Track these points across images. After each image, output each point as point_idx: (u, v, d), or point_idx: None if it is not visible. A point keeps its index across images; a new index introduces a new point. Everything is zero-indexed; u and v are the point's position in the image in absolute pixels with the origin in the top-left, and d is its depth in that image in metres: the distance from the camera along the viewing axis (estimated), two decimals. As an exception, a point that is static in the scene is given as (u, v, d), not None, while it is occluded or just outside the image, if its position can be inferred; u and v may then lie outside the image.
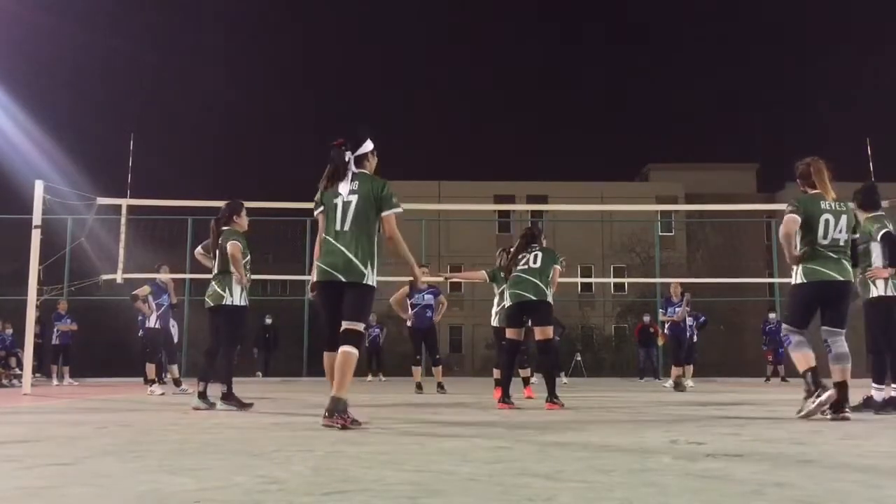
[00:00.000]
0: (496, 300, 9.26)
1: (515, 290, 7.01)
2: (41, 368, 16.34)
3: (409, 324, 11.10)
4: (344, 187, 4.80)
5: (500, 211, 34.60)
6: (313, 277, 4.88)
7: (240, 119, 73.51)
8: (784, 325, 5.73)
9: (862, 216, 6.23)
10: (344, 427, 4.38)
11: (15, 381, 14.52)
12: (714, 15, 76.77)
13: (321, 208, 4.88)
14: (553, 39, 79.66)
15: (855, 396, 6.42)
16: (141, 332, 12.45)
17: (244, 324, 6.96)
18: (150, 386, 10.54)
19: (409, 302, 10.98)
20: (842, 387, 5.35)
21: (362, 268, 4.67)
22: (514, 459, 3.08)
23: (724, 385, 15.10)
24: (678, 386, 12.13)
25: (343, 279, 4.65)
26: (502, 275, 9.13)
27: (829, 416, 5.28)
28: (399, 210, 4.85)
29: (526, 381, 9.21)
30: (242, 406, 6.62)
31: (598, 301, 35.48)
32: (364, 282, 4.67)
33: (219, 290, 6.70)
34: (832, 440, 3.93)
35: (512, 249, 9.40)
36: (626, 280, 33.36)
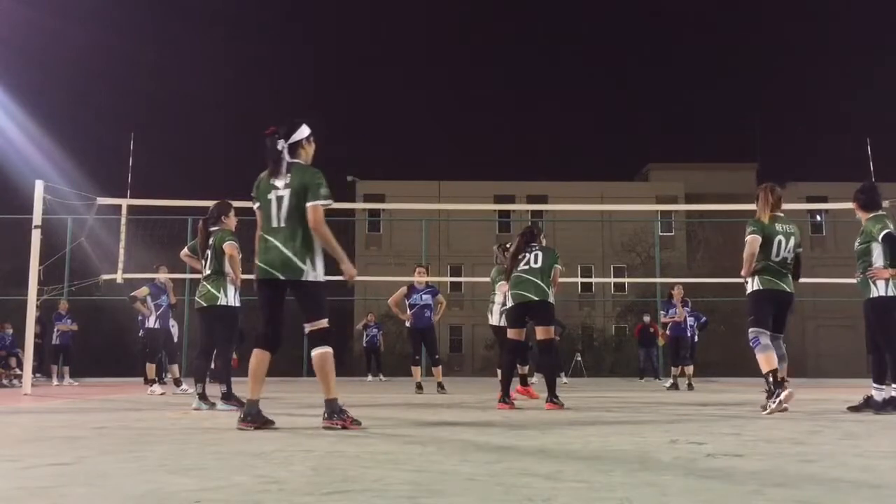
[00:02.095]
0: (497, 299, 9.26)
1: (517, 291, 6.98)
2: (41, 368, 16.33)
3: (407, 324, 11.10)
4: (279, 181, 4.53)
5: (500, 211, 34.61)
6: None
7: (240, 119, 73.51)
8: (752, 329, 6.18)
9: (863, 216, 6.27)
10: (345, 427, 4.36)
11: (15, 381, 14.52)
12: (714, 15, 76.80)
13: (257, 204, 4.65)
14: (553, 39, 79.67)
15: (855, 396, 6.41)
16: (141, 333, 12.46)
17: (238, 324, 6.97)
18: (150, 386, 10.55)
19: (407, 302, 10.98)
20: (782, 383, 5.94)
21: (300, 264, 4.47)
22: (514, 459, 3.08)
23: (724, 385, 15.10)
24: (674, 385, 12.22)
25: (281, 277, 4.49)
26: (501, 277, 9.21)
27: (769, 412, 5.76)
28: (327, 202, 4.54)
29: (523, 380, 9.21)
30: (242, 406, 6.61)
31: (598, 301, 35.51)
32: (305, 279, 4.49)
33: (213, 290, 6.70)
34: (832, 440, 3.93)
35: (509, 246, 9.43)
36: (626, 280, 33.37)
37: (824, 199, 32.28)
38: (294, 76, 79.56)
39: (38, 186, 10.77)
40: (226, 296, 6.69)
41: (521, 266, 7.05)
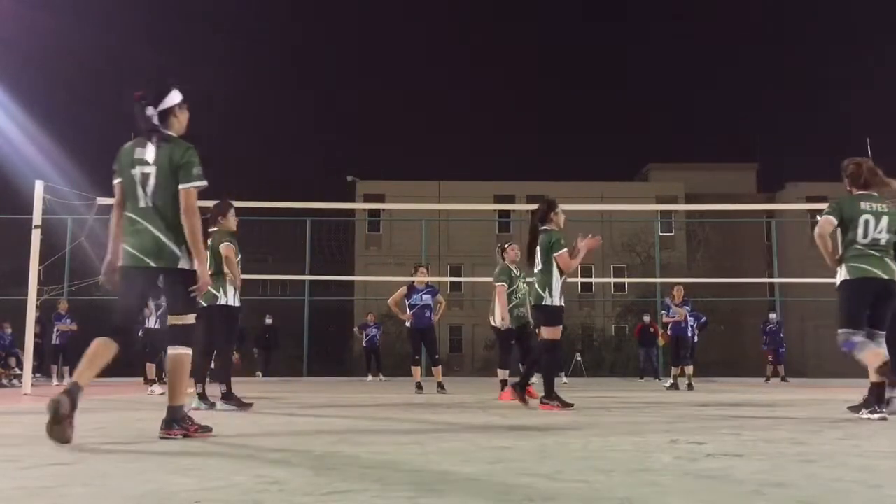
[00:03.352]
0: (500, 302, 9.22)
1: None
2: (41, 368, 16.33)
3: (407, 324, 11.11)
4: (146, 153, 4.02)
5: (500, 211, 34.60)
6: (107, 262, 4.13)
7: (239, 119, 73.49)
8: (841, 330, 5.43)
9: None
10: (187, 436, 3.89)
11: (15, 381, 14.53)
12: (714, 15, 76.80)
13: (118, 178, 4.10)
14: (553, 39, 79.68)
15: (856, 396, 6.40)
16: (140, 332, 12.46)
17: (238, 324, 6.97)
18: (150, 386, 10.56)
19: (407, 302, 10.99)
20: (879, 386, 5.26)
21: (176, 250, 4.00)
22: (514, 459, 3.08)
23: (724, 385, 15.10)
24: (674, 385, 12.23)
25: (153, 264, 3.98)
26: (516, 272, 9.17)
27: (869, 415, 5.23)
28: (200, 184, 4.07)
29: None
30: (242, 406, 6.62)
31: (598, 301, 35.49)
32: (179, 266, 4.02)
33: (212, 290, 6.70)
34: (832, 440, 3.93)
35: (506, 246, 9.42)
36: (626, 280, 33.37)
37: (824, 199, 32.22)
38: (294, 76, 79.56)
39: (38, 186, 10.77)
40: (225, 295, 6.69)
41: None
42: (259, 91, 75.23)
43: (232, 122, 71.88)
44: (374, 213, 37.70)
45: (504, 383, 8.99)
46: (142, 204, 4.01)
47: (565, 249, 6.73)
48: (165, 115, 4.10)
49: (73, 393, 3.63)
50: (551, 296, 6.66)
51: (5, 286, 20.40)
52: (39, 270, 10.69)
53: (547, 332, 6.74)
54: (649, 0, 75.43)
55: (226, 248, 6.65)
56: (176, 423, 3.94)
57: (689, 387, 12.25)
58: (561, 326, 6.78)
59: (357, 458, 3.09)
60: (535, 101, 78.92)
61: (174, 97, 4.14)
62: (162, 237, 3.98)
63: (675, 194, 39.01)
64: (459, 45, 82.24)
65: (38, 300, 11.05)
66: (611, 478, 2.58)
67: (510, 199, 36.99)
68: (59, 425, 3.51)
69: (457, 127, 76.27)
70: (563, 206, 7.37)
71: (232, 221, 6.95)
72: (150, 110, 4.04)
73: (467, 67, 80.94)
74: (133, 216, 4.03)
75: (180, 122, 4.19)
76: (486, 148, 72.60)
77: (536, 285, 6.78)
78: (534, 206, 7.29)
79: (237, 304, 6.82)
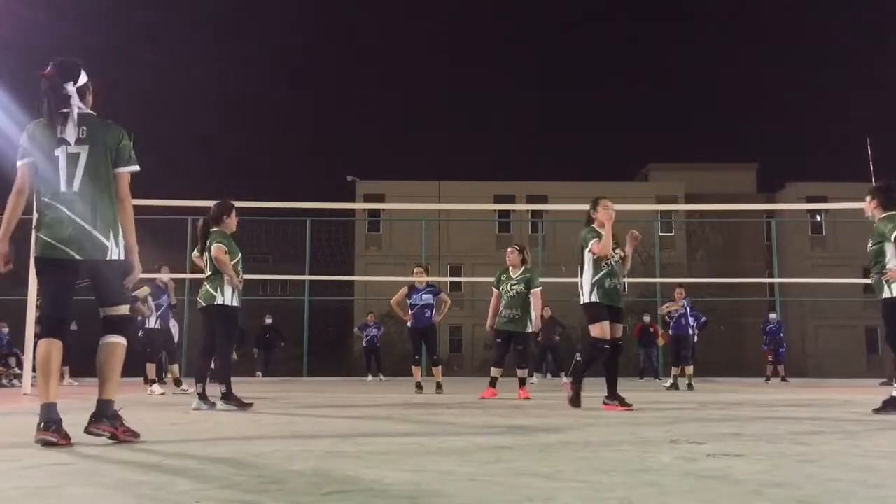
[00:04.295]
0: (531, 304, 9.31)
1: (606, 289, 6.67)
2: (41, 368, 16.31)
3: (409, 324, 11.12)
4: (67, 133, 3.64)
5: (500, 211, 34.60)
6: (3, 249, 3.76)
7: (239, 119, 73.46)
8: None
9: (877, 215, 6.12)
10: (114, 437, 3.61)
11: (14, 381, 14.52)
12: (714, 15, 76.75)
13: (28, 159, 3.68)
14: (553, 39, 79.63)
15: (856, 396, 6.39)
16: (141, 332, 12.46)
17: (237, 324, 6.97)
18: (150, 386, 10.55)
19: (408, 302, 11.01)
20: None
21: (104, 240, 3.66)
22: (514, 459, 3.08)
23: (724, 385, 15.09)
24: (674, 385, 12.25)
25: (78, 256, 3.62)
26: (507, 276, 9.35)
27: None
28: (136, 168, 3.81)
29: (522, 382, 9.22)
30: (242, 406, 6.62)
31: (598, 301, 35.44)
32: (109, 258, 3.68)
33: (211, 290, 6.70)
34: (832, 440, 3.93)
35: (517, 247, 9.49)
36: (626, 280, 33.34)
37: (824, 199, 32.29)
38: (294, 75, 79.52)
39: (39, 186, 10.76)
40: (223, 295, 6.69)
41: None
42: (259, 91, 75.21)
43: (232, 122, 71.83)
44: (374, 213, 37.70)
45: (494, 380, 9.27)
46: (63, 188, 3.63)
47: (594, 240, 6.63)
48: (82, 92, 3.76)
49: (110, 413, 3.62)
50: (588, 294, 6.63)
51: (5, 286, 20.39)
52: (39, 270, 10.67)
53: (590, 330, 6.70)
54: (649, 0, 75.40)
55: (217, 250, 6.64)
56: (106, 418, 3.62)
57: (689, 387, 12.25)
58: (603, 323, 6.54)
59: (357, 458, 3.09)
60: (536, 101, 78.89)
61: (84, 76, 3.79)
62: (89, 227, 3.62)
63: (675, 194, 39.01)
64: (460, 44, 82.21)
65: (38, 300, 11.04)
66: (611, 478, 2.58)
67: (510, 199, 36.97)
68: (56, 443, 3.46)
69: (457, 127, 76.25)
70: (563, 206, 7.35)
71: (233, 222, 6.95)
72: (69, 87, 3.68)
73: (467, 67, 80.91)
74: (53, 202, 3.64)
75: (90, 101, 3.84)
76: (486, 148, 72.62)
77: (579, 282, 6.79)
78: (534, 207, 7.32)
79: (236, 304, 6.81)
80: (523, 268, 9.33)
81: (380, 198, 36.35)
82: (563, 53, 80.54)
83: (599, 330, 6.56)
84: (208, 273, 6.77)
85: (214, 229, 6.83)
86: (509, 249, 9.55)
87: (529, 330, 9.31)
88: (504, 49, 79.69)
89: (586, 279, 6.66)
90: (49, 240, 3.63)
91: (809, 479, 2.56)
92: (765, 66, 76.27)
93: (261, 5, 75.01)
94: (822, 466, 2.88)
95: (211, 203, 7.11)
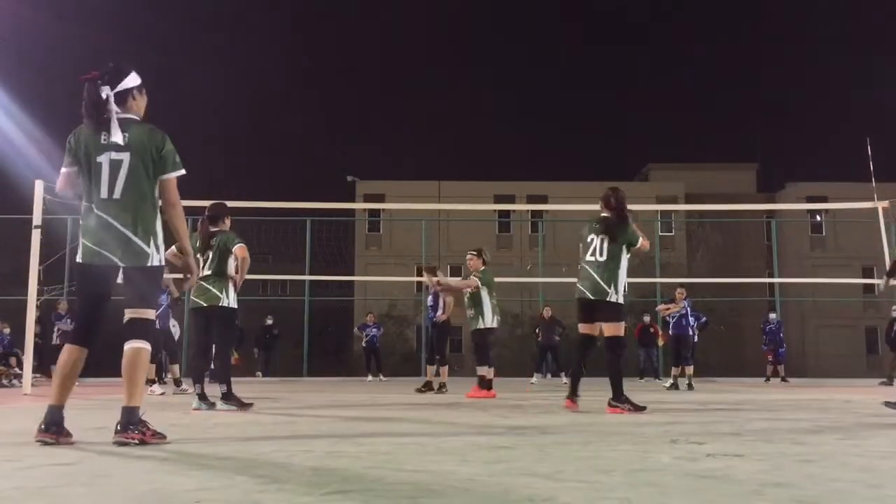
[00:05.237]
0: (489, 301, 9.72)
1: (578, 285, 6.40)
2: (41, 368, 16.33)
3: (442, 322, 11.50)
4: (113, 138, 3.62)
5: (500, 211, 34.58)
6: None
7: (239, 119, 73.49)
8: None
9: None
10: (143, 441, 3.56)
11: (15, 381, 14.52)
12: (714, 15, 76.78)
13: (74, 167, 3.71)
14: (553, 39, 79.66)
15: (856, 396, 6.39)
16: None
17: (235, 324, 6.97)
18: (150, 386, 10.55)
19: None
20: None
21: (145, 247, 3.66)
22: (514, 459, 3.08)
23: (724, 385, 15.09)
24: (674, 385, 12.26)
25: (121, 263, 3.65)
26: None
27: None
28: (182, 172, 3.77)
29: (488, 383, 9.49)
30: (242, 406, 6.62)
31: (598, 301, 35.45)
32: (149, 264, 3.68)
33: (215, 291, 6.68)
34: (832, 440, 3.93)
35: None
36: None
37: (824, 199, 32.27)
38: (294, 76, 79.53)
39: (38, 186, 10.77)
40: (227, 297, 6.69)
41: (587, 256, 6.35)
42: (259, 91, 75.21)
43: (232, 123, 71.86)
44: (374, 213, 37.69)
45: (481, 379, 9.63)
46: (104, 195, 3.62)
47: (643, 237, 6.46)
48: (123, 96, 3.71)
49: (135, 420, 3.60)
50: (616, 291, 6.25)
51: (5, 286, 20.41)
52: (39, 270, 10.69)
53: (609, 329, 6.35)
54: (649, 0, 75.42)
55: (244, 250, 6.67)
56: (132, 426, 3.59)
57: (689, 387, 12.25)
58: (623, 323, 6.37)
59: (357, 458, 3.09)
60: (536, 101, 78.91)
61: (133, 79, 3.77)
62: (128, 232, 3.62)
63: (675, 194, 38.99)
64: (459, 44, 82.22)
65: (38, 300, 11.04)
66: (611, 478, 2.58)
67: (510, 199, 36.98)
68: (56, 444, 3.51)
69: (457, 127, 76.27)
70: (563, 206, 7.35)
71: (229, 223, 6.97)
72: (105, 91, 3.64)
73: (467, 67, 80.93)
74: (97, 211, 3.64)
75: (139, 106, 3.82)
76: (486, 148, 72.63)
77: (598, 278, 6.28)
78: (534, 207, 7.29)
79: (236, 305, 6.82)
80: (483, 269, 9.84)
81: (380, 198, 36.34)
82: (563, 53, 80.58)
83: (620, 329, 6.35)
84: (209, 273, 6.73)
85: (216, 229, 6.82)
86: (468, 256, 10.06)
87: (481, 326, 9.74)
88: (504, 49, 79.73)
89: (621, 276, 6.28)
90: (93, 246, 3.65)
91: (809, 479, 2.56)
92: (765, 66, 76.31)
93: (261, 5, 75.07)
94: (822, 466, 2.88)
95: (207, 203, 7.10)
